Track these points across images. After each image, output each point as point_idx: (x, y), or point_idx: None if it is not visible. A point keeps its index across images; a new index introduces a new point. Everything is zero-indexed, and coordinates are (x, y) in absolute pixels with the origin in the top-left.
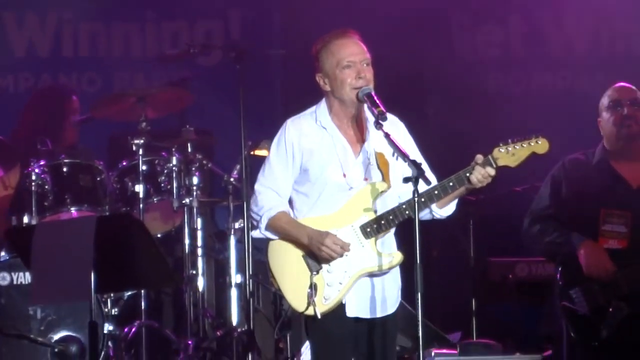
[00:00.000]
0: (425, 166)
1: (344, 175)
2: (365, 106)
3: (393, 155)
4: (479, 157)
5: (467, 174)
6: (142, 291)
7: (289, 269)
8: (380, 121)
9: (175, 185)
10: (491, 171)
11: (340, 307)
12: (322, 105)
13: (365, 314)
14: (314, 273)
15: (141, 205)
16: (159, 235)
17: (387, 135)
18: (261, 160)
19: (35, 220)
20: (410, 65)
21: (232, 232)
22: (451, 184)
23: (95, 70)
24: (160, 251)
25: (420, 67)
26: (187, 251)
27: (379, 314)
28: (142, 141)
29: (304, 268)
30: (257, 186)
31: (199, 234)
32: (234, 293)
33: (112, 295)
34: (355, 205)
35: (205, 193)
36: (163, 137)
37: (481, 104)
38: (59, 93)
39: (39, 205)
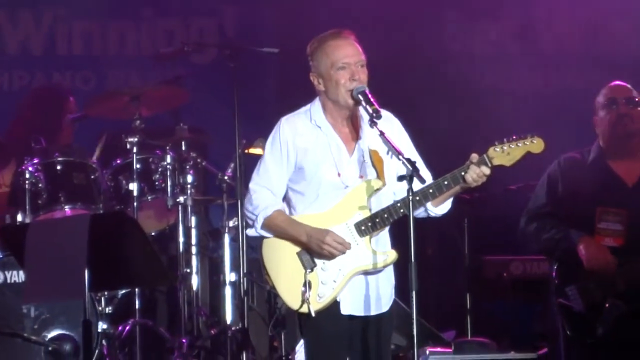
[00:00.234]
0: (420, 163)
1: (339, 174)
2: (360, 106)
3: (387, 153)
4: (474, 156)
5: (462, 173)
6: (136, 289)
7: (283, 267)
8: (375, 119)
9: (169, 183)
10: (486, 170)
11: (335, 305)
12: (317, 104)
13: (360, 312)
14: (308, 271)
15: (135, 204)
16: (153, 234)
17: (381, 134)
18: (255, 158)
19: (29, 218)
20: (404, 63)
21: (227, 231)
22: (446, 182)
23: (90, 69)
24: (154, 249)
25: (413, 65)
26: (181, 249)
27: (373, 312)
28: (136, 139)
29: (298, 266)
30: (251, 185)
31: (193, 232)
32: (228, 291)
33: (105, 293)
34: (350, 203)
35: (199, 191)
36: (157, 135)
37: (474, 101)
38: (56, 93)
39: (32, 204)
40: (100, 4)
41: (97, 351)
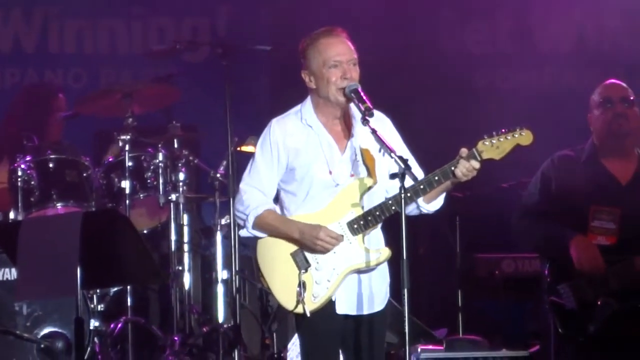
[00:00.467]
0: (412, 161)
1: (330, 173)
2: (352, 103)
3: (380, 151)
4: (464, 151)
5: (452, 168)
6: (128, 287)
7: (277, 268)
8: (367, 117)
9: (161, 181)
10: (476, 164)
11: (330, 305)
12: (307, 103)
13: (354, 311)
14: (302, 271)
15: (127, 201)
16: (145, 231)
17: (373, 132)
18: (248, 156)
19: (22, 215)
20: (399, 62)
21: (219, 228)
22: (436, 178)
23: (82, 66)
24: (146, 247)
25: (408, 64)
26: (173, 247)
27: (367, 311)
28: (128, 137)
29: (292, 267)
30: (242, 185)
31: (185, 230)
32: (220, 289)
33: (98, 291)
34: (342, 202)
35: (191, 189)
36: (149, 133)
37: (468, 100)
38: (46, 90)
39: (25, 201)
40: (93, 2)
41: (89, 349)
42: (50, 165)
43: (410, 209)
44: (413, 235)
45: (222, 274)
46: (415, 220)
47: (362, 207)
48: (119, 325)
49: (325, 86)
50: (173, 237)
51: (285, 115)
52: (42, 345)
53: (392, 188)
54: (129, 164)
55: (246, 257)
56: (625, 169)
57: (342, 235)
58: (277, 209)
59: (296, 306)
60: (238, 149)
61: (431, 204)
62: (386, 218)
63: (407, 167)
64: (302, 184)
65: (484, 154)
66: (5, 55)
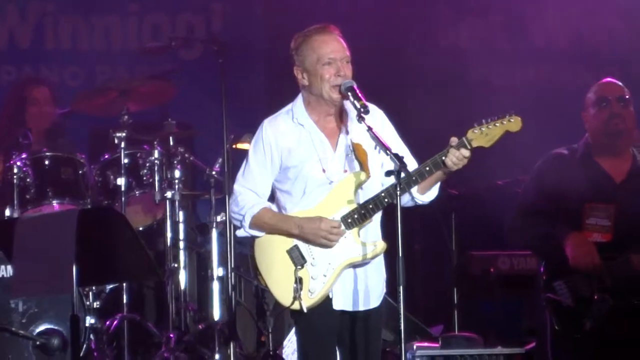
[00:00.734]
0: (406, 153)
1: (324, 171)
2: (347, 100)
3: (375, 148)
4: (454, 140)
5: (443, 158)
6: (124, 284)
7: (274, 266)
8: (363, 114)
9: (157, 178)
10: (466, 153)
11: (327, 301)
12: (299, 102)
13: (350, 307)
14: (299, 267)
15: (123, 199)
16: (140, 229)
17: (369, 129)
18: (243, 153)
19: (17, 213)
20: (393, 57)
21: (214, 225)
22: (427, 168)
23: (77, 63)
24: (142, 244)
25: (402, 59)
26: (169, 244)
27: (364, 307)
28: (124, 134)
29: (288, 263)
30: (236, 187)
31: (181, 227)
32: (215, 286)
33: (93, 288)
34: (336, 197)
35: (187, 186)
36: (145, 130)
37: (463, 96)
38: (23, 82)
39: (20, 198)
40: None
41: (85, 346)
42: (46, 162)
43: (405, 201)
44: (408, 232)
45: (217, 271)
46: (411, 217)
47: (356, 201)
48: (115, 323)
49: (319, 83)
50: (169, 234)
51: (276, 115)
52: (38, 343)
53: (389, 180)
54: (124, 161)
55: (242, 254)
56: (619, 168)
57: (342, 227)
58: (273, 207)
59: (293, 302)
60: (233, 146)
61: (425, 195)
62: (380, 211)
63: (403, 165)
64: (297, 183)
65: (474, 142)
66: (0, 53)
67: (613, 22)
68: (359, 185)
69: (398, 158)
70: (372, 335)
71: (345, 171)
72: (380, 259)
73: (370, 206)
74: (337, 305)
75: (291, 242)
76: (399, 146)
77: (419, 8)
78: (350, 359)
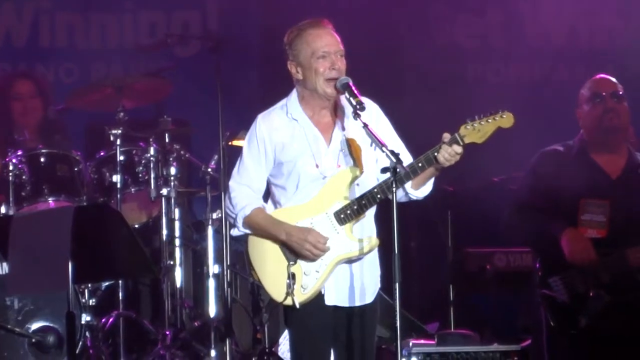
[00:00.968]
0: (401, 148)
1: (317, 166)
2: (342, 96)
3: (371, 145)
4: (446, 136)
5: (435, 154)
6: (120, 281)
7: (267, 261)
8: (358, 111)
9: (152, 175)
10: (458, 149)
11: (319, 296)
12: (293, 97)
13: (344, 303)
14: (291, 263)
15: (119, 196)
16: (136, 226)
17: (365, 126)
18: (239, 150)
19: (13, 210)
20: (389, 54)
21: (210, 223)
22: (420, 164)
23: (72, 61)
24: (137, 241)
25: (398, 56)
26: (164, 241)
27: (357, 303)
28: (119, 131)
29: (282, 259)
30: (231, 183)
31: (177, 224)
32: (211, 283)
33: (89, 285)
34: (329, 193)
35: (182, 183)
36: (140, 127)
37: (459, 93)
38: (8, 76)
39: (16, 196)
40: None
41: (80, 343)
42: (42, 159)
43: (399, 196)
44: (404, 229)
45: (213, 268)
46: (407, 214)
47: (350, 197)
48: (111, 320)
49: (313, 77)
50: (164, 231)
51: (270, 110)
52: (34, 340)
53: (382, 176)
54: (120, 158)
55: (237, 251)
56: (615, 164)
57: (328, 246)
58: (267, 206)
59: (285, 298)
60: (229, 143)
61: (419, 190)
62: (373, 206)
63: (399, 161)
64: (290, 178)
65: (467, 138)
66: None
67: (610, 20)
68: (352, 181)
69: (394, 155)
70: (367, 331)
71: (339, 166)
72: (375, 255)
73: (364, 202)
74: (330, 300)
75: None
76: (395, 141)
77: (415, 5)
78: (345, 356)
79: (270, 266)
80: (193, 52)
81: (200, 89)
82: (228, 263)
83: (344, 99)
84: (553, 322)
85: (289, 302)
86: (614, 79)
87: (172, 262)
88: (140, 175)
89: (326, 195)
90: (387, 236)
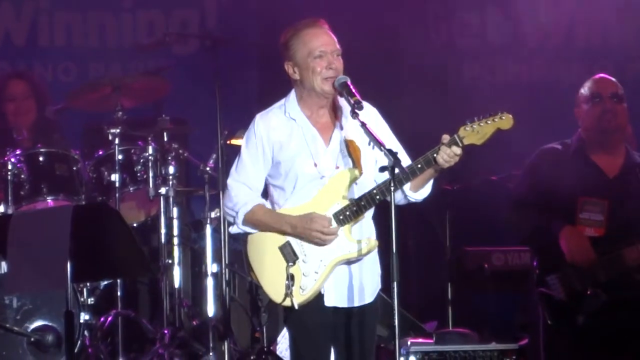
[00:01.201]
0: (400, 150)
1: (315, 165)
2: (341, 97)
3: (369, 144)
4: (445, 137)
5: (434, 155)
6: (118, 280)
7: (266, 262)
8: (356, 110)
9: (151, 174)
10: (457, 150)
11: (319, 297)
12: (291, 97)
13: (343, 304)
14: (290, 264)
15: (117, 195)
16: (135, 225)
17: (363, 125)
18: (237, 149)
19: (11, 209)
20: (387, 54)
21: (208, 222)
22: (419, 166)
23: (71, 60)
24: (136, 240)
25: (396, 56)
26: (163, 240)
27: (357, 303)
28: (118, 130)
29: (281, 260)
30: (229, 181)
31: (175, 223)
32: (210, 282)
33: (88, 284)
34: (328, 194)
35: (181, 182)
36: (139, 126)
37: (457, 93)
38: (2, 77)
39: (15, 195)
40: None
41: (79, 342)
42: (40, 158)
43: (398, 199)
44: (402, 228)
45: (211, 267)
46: (405, 213)
47: (348, 198)
48: (109, 319)
49: (311, 76)
50: (163, 230)
51: (269, 110)
52: (32, 339)
53: (382, 177)
54: (118, 157)
55: (236, 250)
56: (612, 163)
57: (334, 224)
58: (267, 203)
59: (284, 299)
60: (228, 142)
61: (418, 193)
62: (372, 207)
63: (397, 161)
64: (288, 178)
65: (466, 139)
66: None
67: (607, 18)
68: (351, 182)
69: (392, 154)
70: (367, 331)
71: (337, 167)
72: (375, 255)
73: (363, 203)
74: (329, 301)
75: (283, 238)
76: (393, 143)
77: (413, 5)
78: (345, 355)
79: (269, 267)
80: (191, 51)
81: (199, 87)
82: (226, 262)
83: (342, 100)
84: (551, 321)
85: (287, 303)
86: (613, 79)
87: (170, 261)
88: (138, 174)
89: (325, 197)
90: (386, 235)
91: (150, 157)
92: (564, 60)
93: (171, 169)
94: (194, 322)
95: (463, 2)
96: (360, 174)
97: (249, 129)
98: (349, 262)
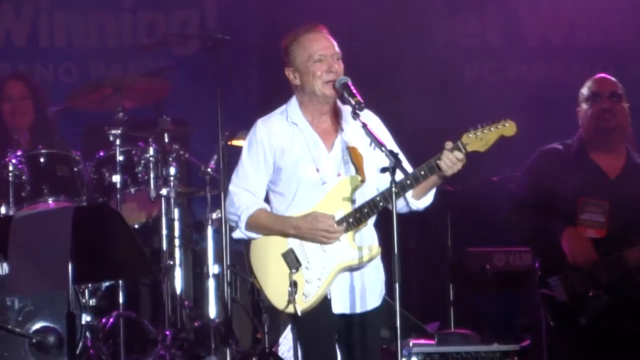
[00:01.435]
0: (402, 157)
1: (317, 171)
2: (341, 98)
3: (370, 145)
4: (448, 144)
5: (437, 161)
6: (120, 282)
7: (269, 269)
8: (358, 111)
9: (152, 175)
10: (459, 154)
11: (326, 304)
12: (293, 102)
13: (350, 310)
14: (293, 271)
15: (118, 196)
16: (136, 226)
17: (364, 126)
18: (238, 150)
19: (13, 210)
20: (388, 55)
21: (210, 223)
22: (422, 172)
23: (72, 60)
24: (137, 242)
25: (397, 57)
26: (164, 242)
27: (361, 309)
28: (119, 131)
29: (283, 267)
30: (231, 187)
31: (177, 224)
32: (211, 283)
33: (89, 285)
34: (331, 201)
35: (182, 183)
36: (140, 127)
37: (458, 94)
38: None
39: (16, 196)
40: None
41: (81, 343)
42: (42, 160)
43: (400, 207)
44: (404, 229)
45: (213, 268)
46: (406, 214)
47: (351, 205)
48: (111, 320)
49: (311, 81)
50: (164, 231)
51: (270, 115)
52: (34, 340)
53: (383, 185)
54: (119, 158)
55: (237, 251)
56: (614, 164)
57: (342, 225)
58: (269, 208)
59: (287, 306)
60: (229, 143)
61: (421, 201)
62: (375, 215)
63: (398, 161)
64: (290, 184)
65: (469, 146)
66: None
67: (608, 18)
68: (354, 189)
69: (393, 155)
70: (371, 336)
71: (339, 175)
72: (379, 261)
73: (365, 210)
74: (337, 308)
75: (286, 245)
76: (394, 148)
77: (414, 5)
78: None
79: (272, 274)
80: (192, 52)
81: (199, 88)
82: (228, 263)
83: (344, 106)
84: (552, 322)
85: (290, 310)
86: (614, 79)
87: (172, 263)
88: (139, 175)
89: (329, 203)
90: (387, 236)
91: (151, 158)
92: (565, 61)
93: (172, 170)
94: (196, 324)
95: (465, 2)
96: (363, 181)
97: (250, 134)
98: (352, 269)
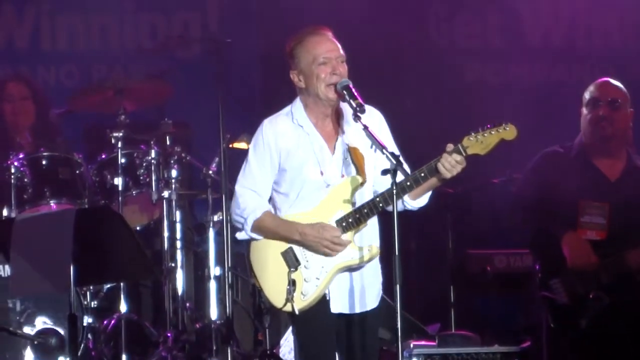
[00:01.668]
0: (401, 158)
1: (322, 173)
2: (343, 100)
3: (371, 147)
4: (449, 146)
5: (437, 163)
6: (121, 284)
7: (269, 267)
8: (359, 113)
9: (154, 178)
10: (458, 157)
11: (325, 303)
12: (297, 104)
13: (348, 310)
14: (292, 270)
15: (120, 198)
16: (138, 228)
17: (365, 128)
18: (240, 153)
19: (15, 213)
20: (388, 56)
21: (211, 225)
22: (422, 174)
23: (73, 63)
24: (139, 244)
25: (398, 58)
26: (166, 244)
27: (360, 309)
28: (120, 134)
29: (283, 266)
30: (237, 187)
31: (178, 226)
32: (212, 285)
33: (91, 287)
34: (332, 201)
35: (184, 186)
36: (142, 130)
37: (459, 95)
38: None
39: (18, 198)
40: None
41: (82, 345)
42: (43, 162)
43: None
44: (405, 231)
45: (214, 270)
46: (407, 216)
47: (352, 206)
48: (112, 322)
49: (315, 83)
50: (166, 233)
51: (276, 116)
52: (36, 342)
53: (380, 185)
54: (121, 160)
55: (239, 253)
56: (614, 166)
57: (348, 240)
58: (272, 209)
59: (285, 304)
60: (230, 145)
61: (417, 201)
62: (374, 215)
63: (399, 163)
64: (294, 185)
65: (469, 149)
66: None
67: (608, 19)
68: (355, 190)
69: (394, 157)
70: (369, 336)
71: (343, 176)
72: (377, 262)
73: (365, 210)
74: (335, 308)
75: (286, 244)
76: (394, 150)
77: (415, 5)
78: None
79: (271, 272)
80: (193, 54)
81: (201, 91)
82: (229, 265)
83: (345, 105)
84: (553, 324)
85: (288, 308)
86: (617, 84)
87: (173, 265)
88: (141, 177)
89: (330, 204)
90: (388, 238)
91: (152, 161)
92: (565, 62)
93: (174, 173)
94: (197, 325)
95: (465, 3)
96: (364, 181)
97: (257, 134)
98: (350, 269)
